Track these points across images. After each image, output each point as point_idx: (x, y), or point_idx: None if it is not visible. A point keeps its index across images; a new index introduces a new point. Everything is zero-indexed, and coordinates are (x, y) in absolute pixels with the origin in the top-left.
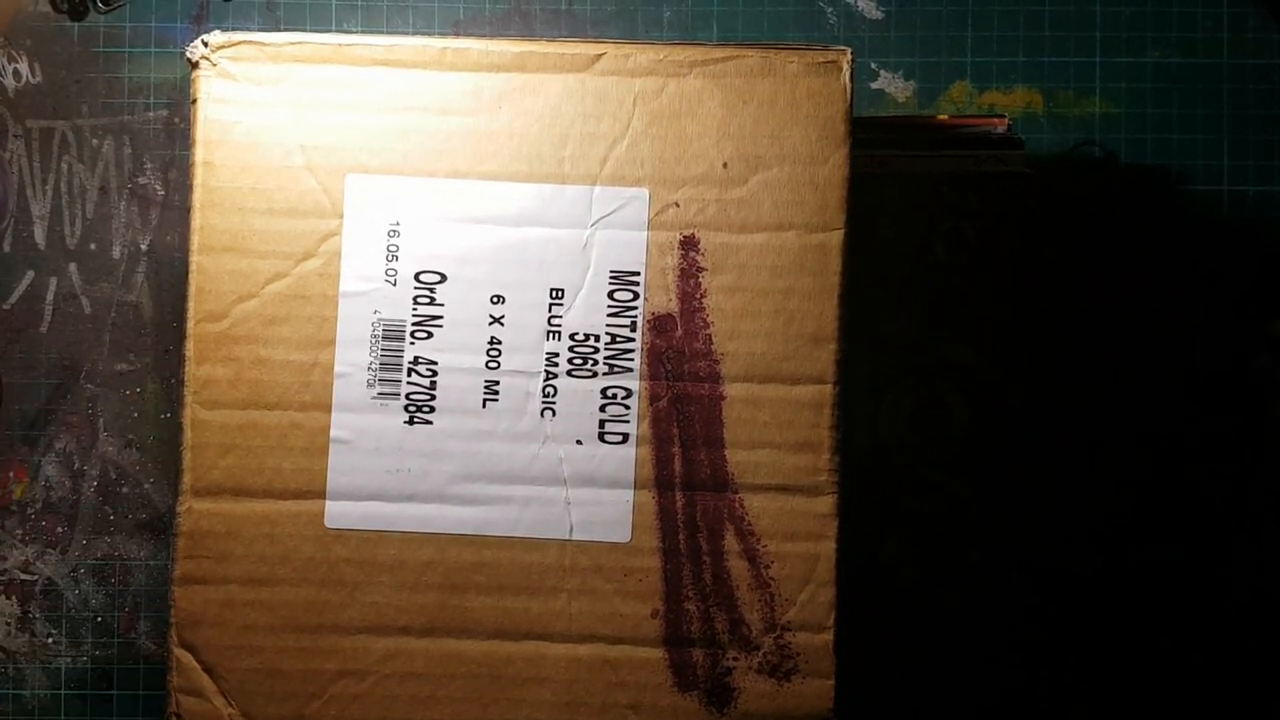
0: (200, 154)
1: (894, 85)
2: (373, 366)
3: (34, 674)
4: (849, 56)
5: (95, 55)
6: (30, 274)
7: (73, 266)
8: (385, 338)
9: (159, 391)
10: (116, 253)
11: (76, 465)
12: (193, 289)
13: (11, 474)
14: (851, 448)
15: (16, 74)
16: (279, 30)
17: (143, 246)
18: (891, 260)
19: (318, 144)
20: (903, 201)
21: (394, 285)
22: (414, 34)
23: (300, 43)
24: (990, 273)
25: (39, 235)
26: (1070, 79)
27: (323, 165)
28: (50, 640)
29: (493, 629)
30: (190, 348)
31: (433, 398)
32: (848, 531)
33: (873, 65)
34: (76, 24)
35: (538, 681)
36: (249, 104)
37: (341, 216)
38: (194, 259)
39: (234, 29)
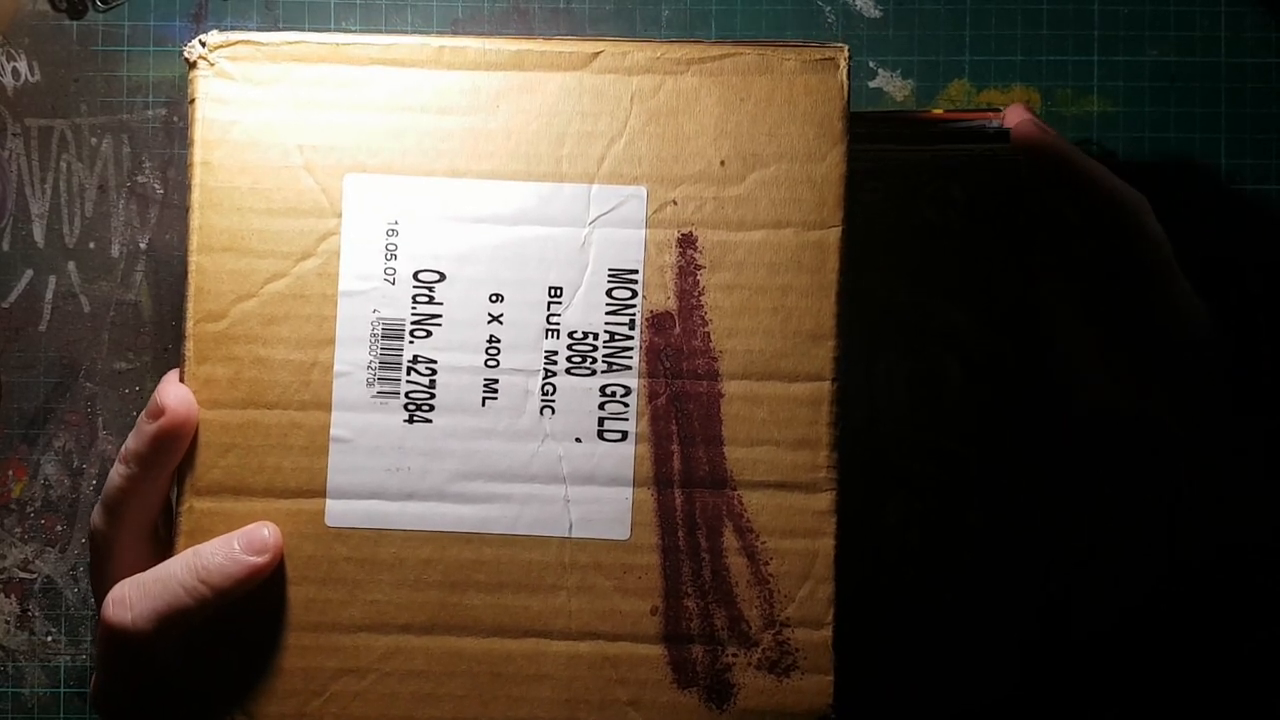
0: (198, 154)
1: (892, 84)
2: (372, 365)
3: (33, 672)
4: (846, 54)
5: (94, 54)
6: (29, 273)
7: (71, 265)
8: (384, 337)
9: None
10: (115, 251)
11: (76, 464)
12: (191, 289)
13: (11, 472)
14: (847, 414)
15: (15, 73)
16: (277, 29)
17: (142, 245)
18: (878, 223)
19: (316, 143)
20: (889, 166)
21: (393, 284)
22: (412, 32)
23: (298, 42)
24: (979, 232)
25: (38, 234)
26: (1068, 77)
27: (321, 165)
28: (49, 638)
29: (493, 626)
30: (189, 348)
31: (432, 396)
32: (846, 520)
33: (871, 64)
34: (75, 22)
35: (538, 679)
36: (247, 104)
37: (340, 216)
38: (192, 259)
39: (232, 27)
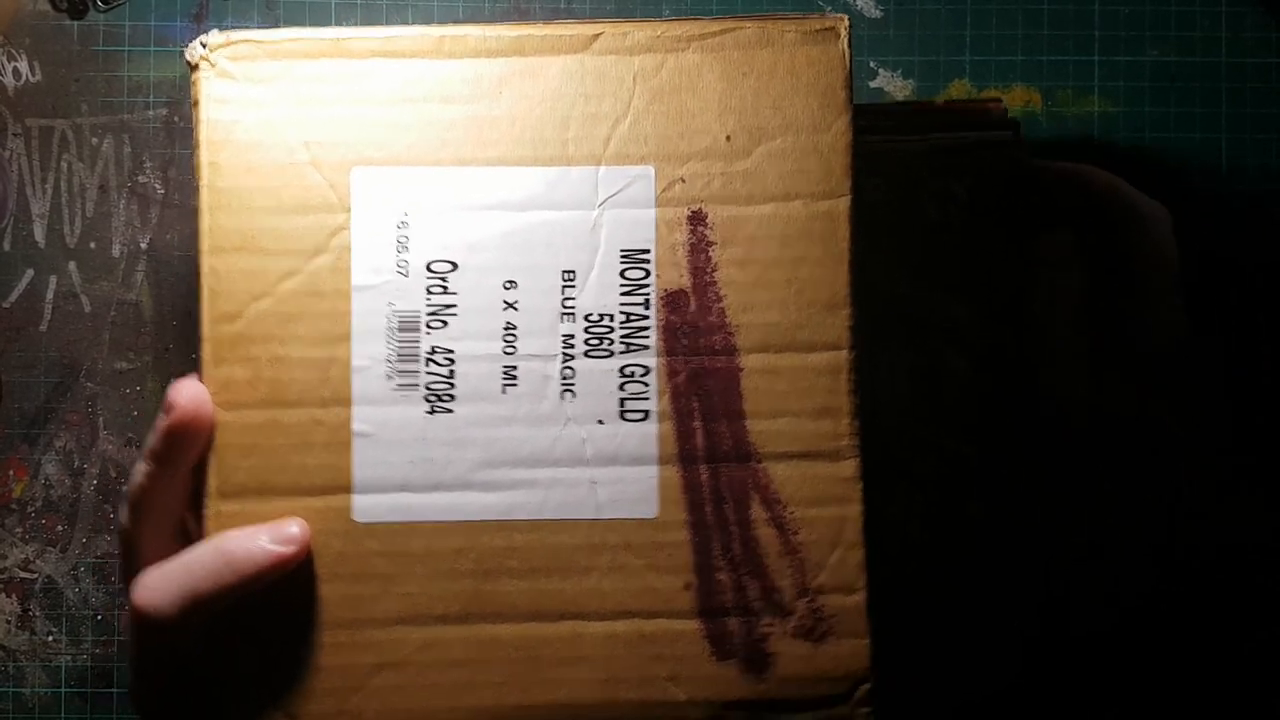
0: (205, 155)
1: (893, 84)
2: (390, 359)
3: (34, 672)
4: (846, 23)
5: (95, 54)
6: (30, 273)
7: (72, 265)
8: (401, 329)
9: (159, 390)
10: (116, 251)
11: (76, 464)
12: (205, 291)
13: (11, 472)
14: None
15: (16, 72)
16: (278, 28)
17: (142, 245)
18: (881, 221)
19: (321, 139)
20: (891, 165)
21: (406, 276)
22: None
23: (298, 38)
24: (979, 226)
25: (39, 234)
26: (1068, 77)
27: (327, 160)
28: (50, 638)
29: (528, 612)
30: (206, 350)
31: (452, 386)
32: (871, 485)
33: (871, 64)
34: (76, 22)
35: (576, 661)
36: (250, 103)
37: (349, 210)
38: (205, 261)
39: (233, 27)
